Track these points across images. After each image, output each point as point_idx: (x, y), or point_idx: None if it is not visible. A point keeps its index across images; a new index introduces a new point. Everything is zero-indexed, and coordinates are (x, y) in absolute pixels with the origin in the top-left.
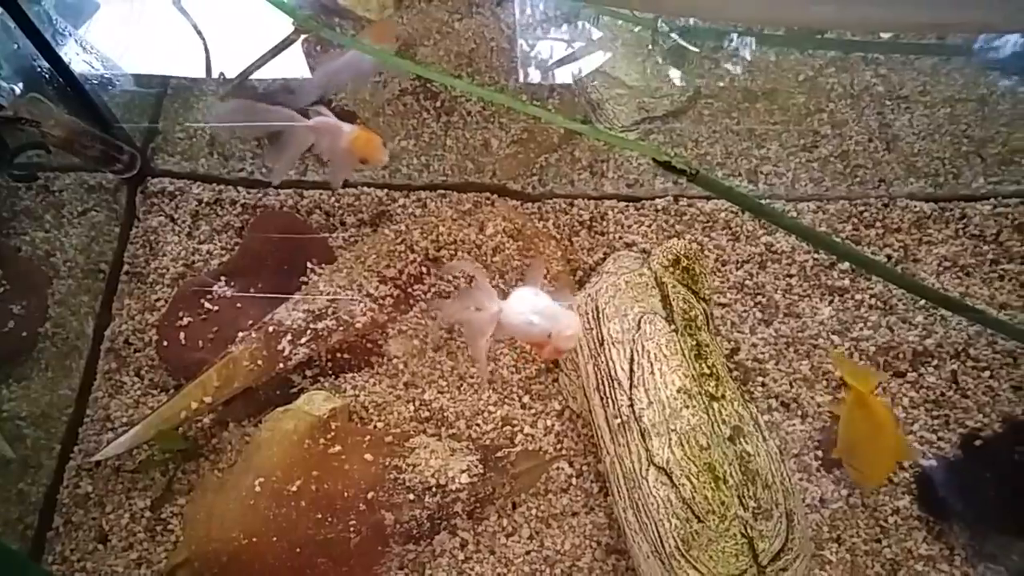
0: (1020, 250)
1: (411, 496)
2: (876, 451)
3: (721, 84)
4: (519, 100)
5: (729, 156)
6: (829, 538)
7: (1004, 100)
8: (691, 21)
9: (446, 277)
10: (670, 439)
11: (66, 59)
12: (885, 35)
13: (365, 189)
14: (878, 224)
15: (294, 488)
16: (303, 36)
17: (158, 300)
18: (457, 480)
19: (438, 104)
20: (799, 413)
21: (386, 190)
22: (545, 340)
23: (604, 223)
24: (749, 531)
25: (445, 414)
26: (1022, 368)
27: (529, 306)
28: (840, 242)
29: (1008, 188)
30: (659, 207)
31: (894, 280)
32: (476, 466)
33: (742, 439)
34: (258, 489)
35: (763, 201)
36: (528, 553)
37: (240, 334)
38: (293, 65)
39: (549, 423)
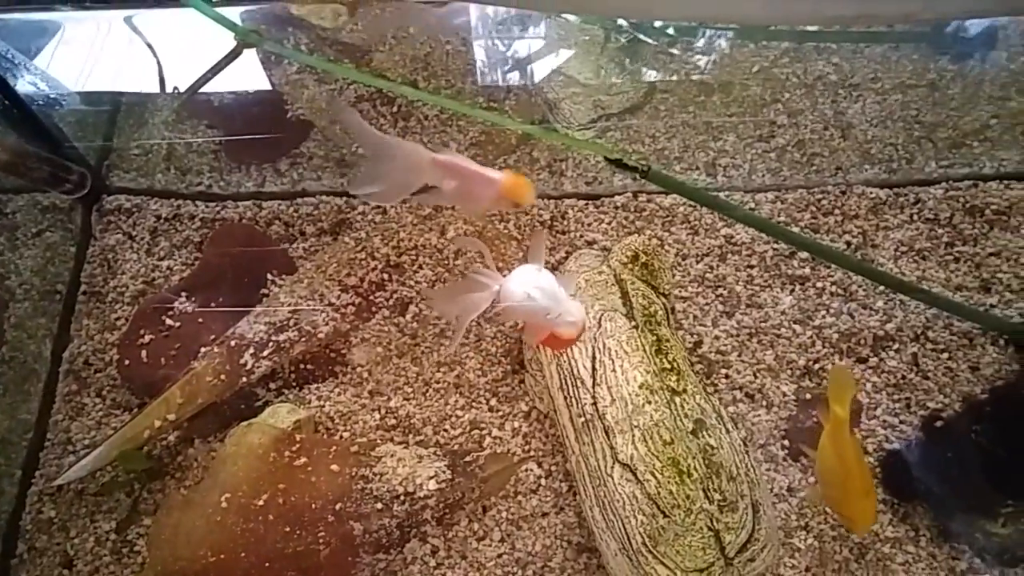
0: (972, 232)
1: (379, 505)
2: (853, 498)
3: (676, 79)
4: (468, 105)
5: (686, 150)
6: (798, 526)
7: (953, 85)
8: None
9: (409, 282)
10: (633, 435)
11: (12, 81)
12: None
13: (324, 198)
14: (836, 211)
15: (261, 502)
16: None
17: (118, 319)
18: (425, 487)
19: (395, 109)
20: (764, 403)
21: (345, 198)
22: (544, 323)
23: (565, 222)
24: (715, 524)
25: (412, 421)
26: (978, 348)
27: (530, 280)
28: (793, 231)
29: (959, 171)
30: (619, 204)
31: (847, 265)
32: (444, 472)
33: (705, 432)
34: (224, 505)
35: (721, 193)
36: (500, 556)
37: (203, 349)
38: (250, 78)
39: (517, 425)
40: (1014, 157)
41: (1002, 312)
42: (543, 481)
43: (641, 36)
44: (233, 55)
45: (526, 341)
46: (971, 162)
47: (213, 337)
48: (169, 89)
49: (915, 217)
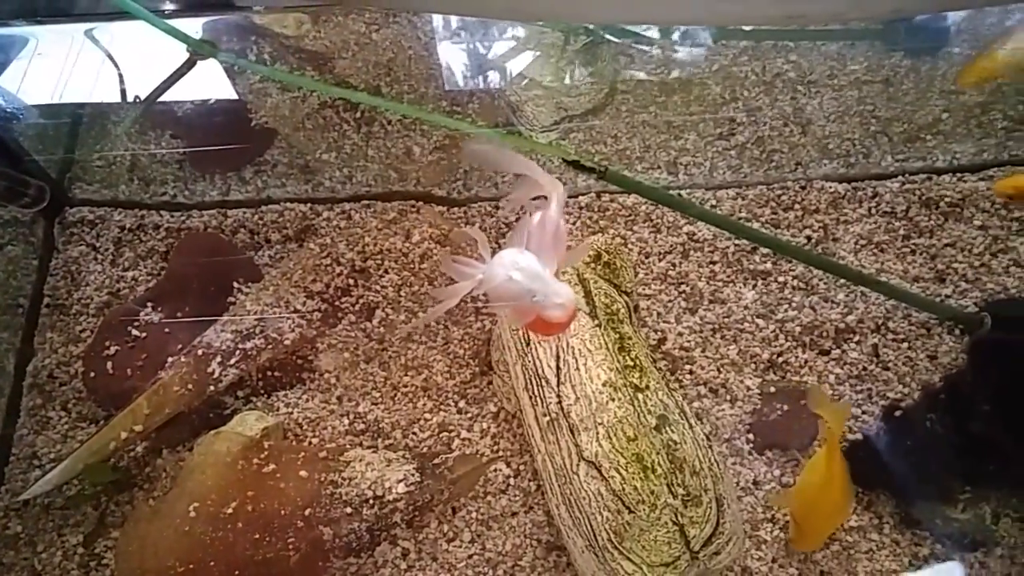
0: (928, 224)
1: (348, 509)
2: (822, 520)
3: (637, 79)
4: (423, 110)
5: (648, 149)
6: (764, 518)
7: (907, 80)
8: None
9: (375, 287)
10: (598, 433)
11: None
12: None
13: (288, 205)
14: (796, 207)
15: (230, 510)
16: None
17: (83, 331)
18: (394, 490)
19: (358, 115)
20: (728, 398)
21: (309, 204)
22: (530, 307)
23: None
24: (680, 519)
25: (380, 425)
26: (936, 338)
27: (510, 262)
28: (751, 226)
29: (914, 165)
30: (582, 204)
31: (802, 258)
32: (413, 474)
33: (668, 428)
34: (193, 514)
35: (683, 191)
36: (470, 557)
37: (169, 359)
38: (214, 86)
39: (485, 426)
40: (967, 150)
41: (957, 302)
42: (512, 481)
43: (607, 36)
44: (186, 67)
45: (509, 325)
46: (925, 155)
47: (180, 347)
48: (131, 100)
49: (873, 211)
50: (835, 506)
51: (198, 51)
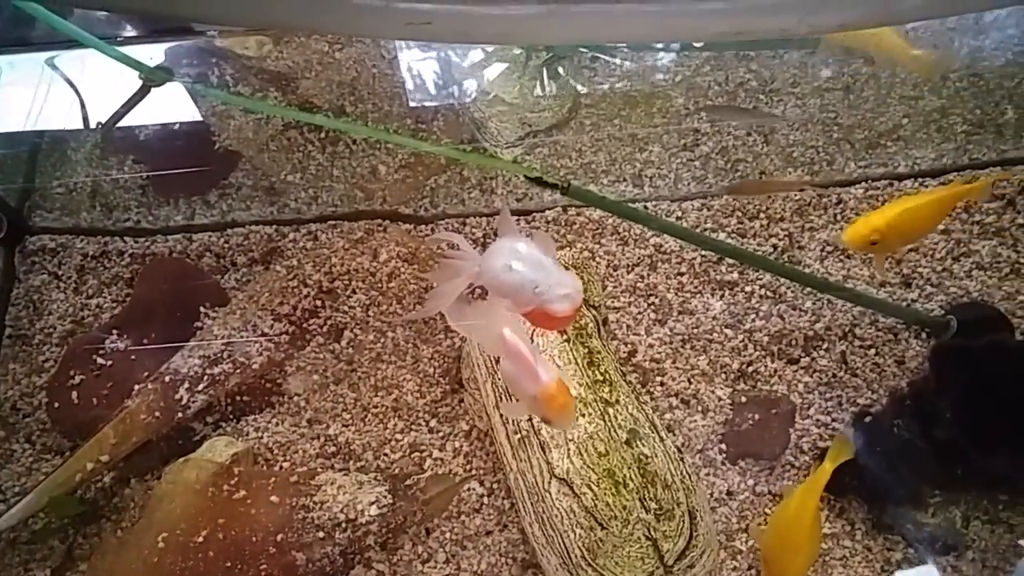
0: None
1: (321, 534)
2: (790, 562)
3: (600, 92)
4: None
5: (613, 162)
6: (738, 528)
7: (867, 87)
8: None
9: (343, 307)
10: (568, 449)
11: None
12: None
13: (254, 227)
14: (762, 215)
15: (200, 539)
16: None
17: (46, 361)
18: (367, 513)
19: (323, 135)
20: (700, 409)
21: (275, 226)
22: (532, 299)
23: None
24: (653, 533)
25: (352, 447)
26: (903, 343)
27: (508, 252)
28: (714, 239)
29: (877, 171)
30: (549, 218)
31: (766, 267)
32: (385, 496)
33: (639, 442)
34: (161, 545)
35: (649, 203)
36: None
37: (136, 387)
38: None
39: (457, 445)
40: (927, 155)
41: (923, 306)
42: (486, 499)
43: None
44: (140, 95)
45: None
46: (887, 161)
47: (147, 374)
48: (93, 127)
49: (838, 217)
50: (804, 548)
51: (150, 78)
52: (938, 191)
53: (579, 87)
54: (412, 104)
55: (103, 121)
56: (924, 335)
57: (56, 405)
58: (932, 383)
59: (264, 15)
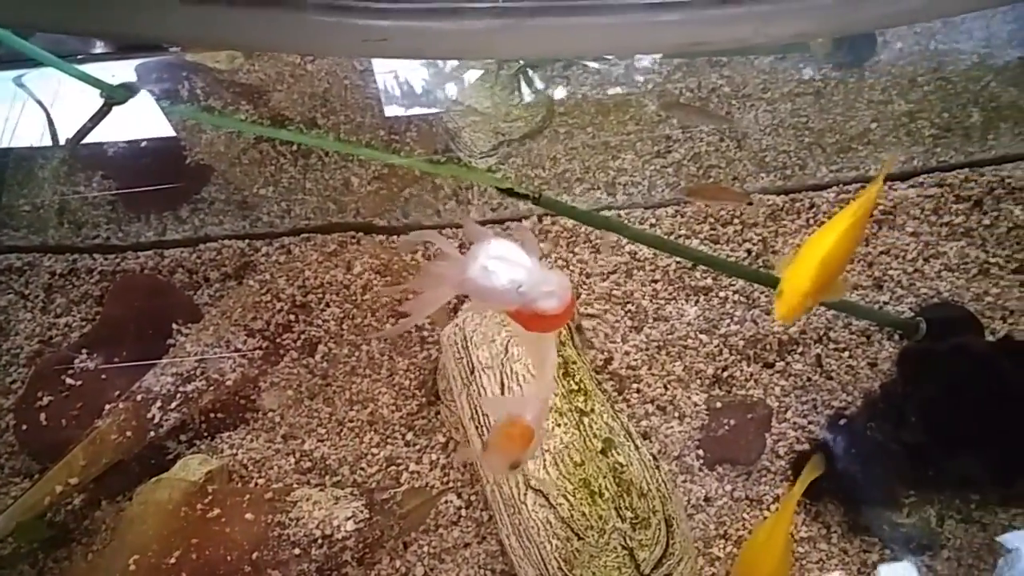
0: (863, 233)
1: (297, 551)
2: None
3: (573, 100)
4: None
5: (587, 171)
6: (716, 535)
7: (837, 91)
8: None
9: (317, 321)
10: (544, 460)
11: None
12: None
13: (226, 242)
14: (735, 221)
15: (172, 560)
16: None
17: (13, 382)
18: (343, 528)
19: (295, 148)
20: (676, 415)
21: (248, 240)
22: (515, 300)
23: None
24: (629, 542)
25: (327, 462)
26: (876, 345)
27: (483, 251)
28: (684, 245)
29: (848, 175)
30: (525, 228)
31: (737, 273)
32: (362, 511)
33: (614, 451)
34: (133, 567)
35: (622, 211)
36: None
37: (107, 407)
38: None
39: (434, 457)
40: (897, 158)
41: (894, 308)
42: (464, 511)
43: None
44: (102, 113)
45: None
46: (858, 165)
47: (118, 393)
48: (62, 144)
49: (811, 221)
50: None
51: (111, 96)
52: (841, 219)
53: (553, 95)
54: (385, 115)
55: (68, 139)
56: (897, 337)
57: (24, 427)
58: (899, 386)
59: (220, 35)
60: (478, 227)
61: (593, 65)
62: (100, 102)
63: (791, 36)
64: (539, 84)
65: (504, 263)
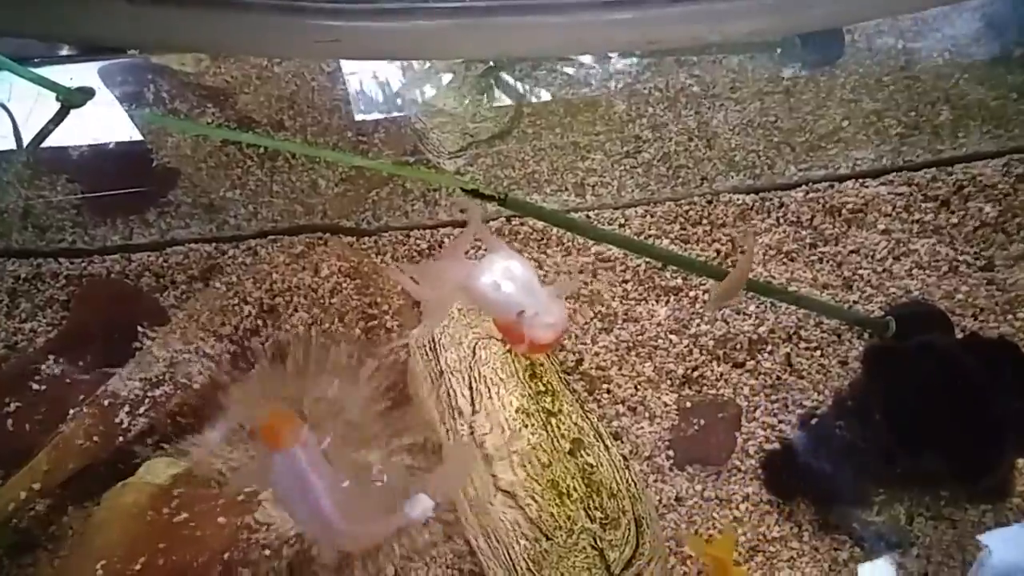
0: (833, 232)
1: (267, 552)
2: None
3: (541, 100)
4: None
5: (556, 172)
6: (688, 534)
7: (806, 90)
8: None
9: (285, 326)
10: (512, 461)
11: None
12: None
13: (193, 245)
14: (704, 221)
15: (138, 566)
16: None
17: None
18: None
19: (261, 150)
20: (647, 415)
21: (214, 243)
22: (517, 323)
23: (441, 251)
24: (598, 542)
25: None
26: (846, 343)
27: (501, 270)
28: (653, 246)
29: (817, 173)
30: (493, 229)
31: (707, 273)
32: None
33: (583, 451)
34: (100, 573)
35: (592, 211)
36: None
37: (72, 411)
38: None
39: (402, 459)
40: (867, 156)
41: (864, 307)
42: (432, 512)
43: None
44: (59, 117)
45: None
46: (827, 164)
47: (83, 398)
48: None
49: (780, 220)
50: None
51: (68, 99)
52: None
53: (521, 95)
54: (353, 117)
55: (26, 142)
56: (867, 335)
57: None
58: (866, 384)
59: (169, 36)
60: (487, 231)
61: (562, 66)
62: (57, 106)
63: (745, 34)
64: (507, 84)
65: (515, 284)
